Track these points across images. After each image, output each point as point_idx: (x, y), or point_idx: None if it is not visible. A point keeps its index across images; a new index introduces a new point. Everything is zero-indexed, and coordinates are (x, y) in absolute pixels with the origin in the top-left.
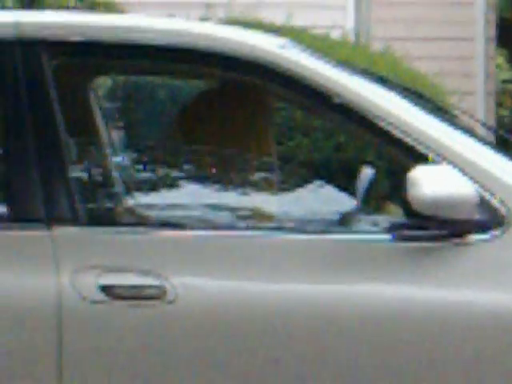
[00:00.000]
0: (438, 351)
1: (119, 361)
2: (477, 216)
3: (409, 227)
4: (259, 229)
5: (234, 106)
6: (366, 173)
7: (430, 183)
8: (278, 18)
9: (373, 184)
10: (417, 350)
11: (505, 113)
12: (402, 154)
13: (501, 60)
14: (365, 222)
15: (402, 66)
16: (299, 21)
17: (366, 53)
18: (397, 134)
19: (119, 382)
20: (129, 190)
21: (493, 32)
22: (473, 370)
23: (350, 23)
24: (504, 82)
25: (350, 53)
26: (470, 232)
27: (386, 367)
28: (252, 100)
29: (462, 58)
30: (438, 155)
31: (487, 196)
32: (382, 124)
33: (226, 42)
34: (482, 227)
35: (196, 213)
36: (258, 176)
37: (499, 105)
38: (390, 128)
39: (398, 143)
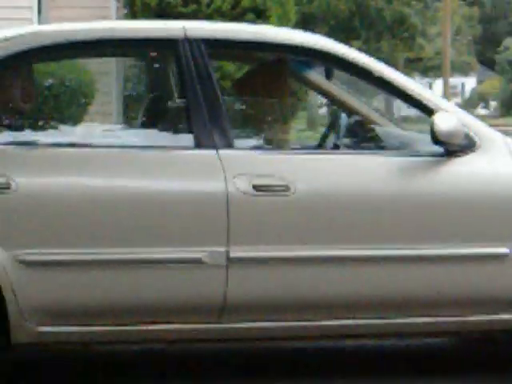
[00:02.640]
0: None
1: (266, 229)
2: (464, 141)
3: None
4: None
5: (280, 77)
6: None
7: (444, 123)
8: None
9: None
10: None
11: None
12: (416, 107)
13: None
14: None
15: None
16: None
17: None
18: (415, 96)
19: (269, 241)
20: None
21: None
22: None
23: (35, 21)
24: None
25: None
26: (462, 151)
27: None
28: (288, 74)
29: None
30: (440, 108)
31: (467, 130)
32: (402, 89)
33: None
34: (467, 148)
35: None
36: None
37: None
38: (409, 92)
39: (414, 101)
